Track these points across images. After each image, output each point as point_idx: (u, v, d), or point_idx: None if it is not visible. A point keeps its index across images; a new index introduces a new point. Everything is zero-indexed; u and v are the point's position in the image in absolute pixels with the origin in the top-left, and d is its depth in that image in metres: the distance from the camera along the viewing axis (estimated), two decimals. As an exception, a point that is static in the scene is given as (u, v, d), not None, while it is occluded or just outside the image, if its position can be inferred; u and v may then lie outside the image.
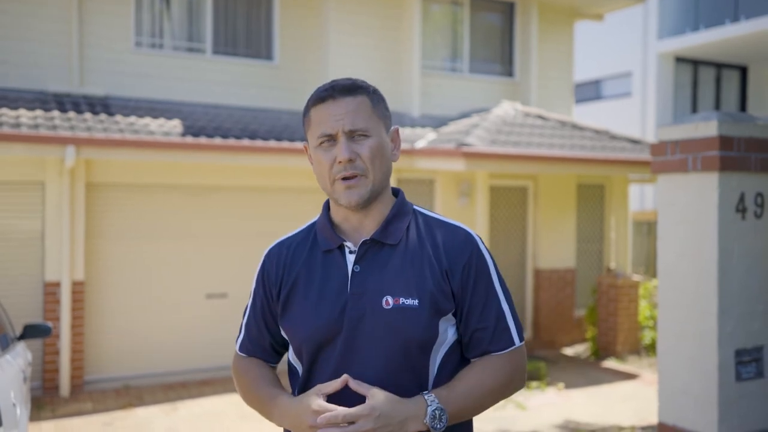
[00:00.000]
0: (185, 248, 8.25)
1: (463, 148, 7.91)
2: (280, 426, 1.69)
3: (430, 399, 1.58)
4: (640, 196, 16.94)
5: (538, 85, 10.98)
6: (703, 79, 16.72)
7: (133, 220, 8.00)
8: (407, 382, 1.63)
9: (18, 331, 5.75)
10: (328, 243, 1.72)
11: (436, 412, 1.57)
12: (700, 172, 3.58)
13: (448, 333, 1.67)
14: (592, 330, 9.73)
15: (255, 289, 1.82)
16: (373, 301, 1.63)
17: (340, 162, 1.63)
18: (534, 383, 7.90)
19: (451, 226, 1.73)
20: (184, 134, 7.63)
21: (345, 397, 1.59)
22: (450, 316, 1.67)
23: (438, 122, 9.81)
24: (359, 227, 1.71)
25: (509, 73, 11.00)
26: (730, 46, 15.20)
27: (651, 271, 13.48)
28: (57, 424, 6.48)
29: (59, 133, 6.99)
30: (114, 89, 8.56)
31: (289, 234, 1.84)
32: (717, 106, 16.77)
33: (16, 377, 4.54)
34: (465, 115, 9.95)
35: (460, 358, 1.71)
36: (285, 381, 1.81)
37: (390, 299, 1.63)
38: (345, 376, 1.60)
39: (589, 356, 9.58)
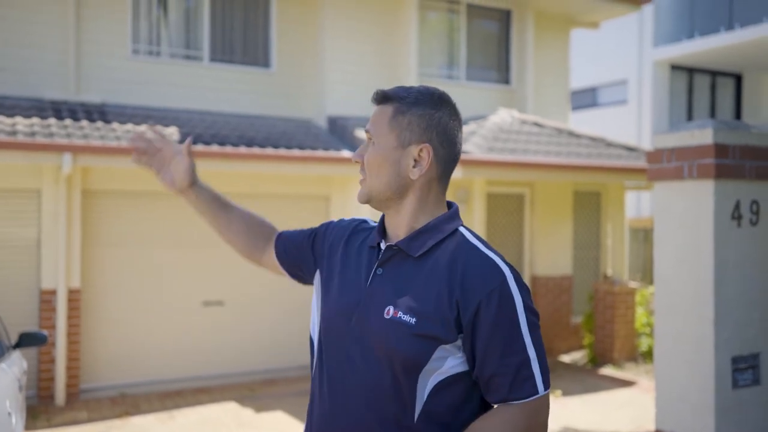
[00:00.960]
0: (182, 256, 8.23)
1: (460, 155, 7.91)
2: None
3: None
4: (637, 203, 16.97)
5: (534, 93, 11.02)
6: (699, 86, 16.78)
7: (129, 228, 7.99)
8: (391, 404, 1.60)
9: (13, 339, 5.73)
10: (372, 240, 1.77)
11: None
12: (696, 179, 3.59)
13: (444, 363, 1.59)
14: (589, 337, 9.73)
15: (314, 227, 1.97)
16: (378, 307, 1.64)
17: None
18: (531, 390, 7.88)
19: (481, 255, 1.63)
20: (181, 142, 7.62)
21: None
22: (451, 347, 1.58)
23: (434, 129, 9.80)
24: (395, 231, 1.74)
25: (506, 80, 11.04)
26: (725, 53, 15.25)
27: (648, 278, 13.49)
28: (52, 432, 6.46)
29: (56, 140, 6.99)
30: (111, 96, 8.56)
31: (358, 219, 1.93)
32: (712, 113, 16.83)
33: (11, 386, 4.52)
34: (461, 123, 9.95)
35: (461, 393, 1.62)
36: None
37: (391, 310, 1.62)
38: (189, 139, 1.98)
39: (586, 363, 9.58)
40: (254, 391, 8.00)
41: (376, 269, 1.70)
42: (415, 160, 1.68)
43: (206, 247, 8.32)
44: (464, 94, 10.47)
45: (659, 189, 3.82)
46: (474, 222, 8.71)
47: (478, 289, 1.57)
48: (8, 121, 7.24)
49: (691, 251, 3.63)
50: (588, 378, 8.76)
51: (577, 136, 9.99)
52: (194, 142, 7.64)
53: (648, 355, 9.45)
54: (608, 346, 9.38)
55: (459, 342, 1.59)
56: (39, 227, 7.47)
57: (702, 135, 3.58)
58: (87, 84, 8.48)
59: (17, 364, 5.02)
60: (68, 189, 7.46)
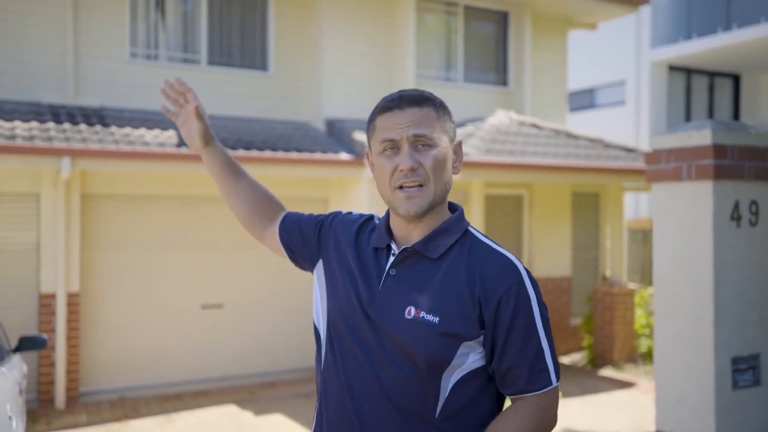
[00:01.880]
0: (181, 259, 8.23)
1: (458, 158, 7.91)
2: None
3: None
4: (635, 204, 16.98)
5: (532, 94, 11.03)
6: (697, 87, 16.80)
7: (128, 231, 7.99)
8: (414, 402, 1.62)
9: (13, 343, 5.72)
10: (378, 241, 1.77)
11: None
12: (695, 180, 3.60)
13: (467, 359, 1.63)
14: (588, 338, 9.73)
15: (321, 215, 1.96)
16: (398, 307, 1.65)
17: (401, 170, 1.65)
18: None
19: (496, 254, 1.68)
20: (179, 145, 7.63)
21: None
22: (474, 343, 1.63)
23: (433, 131, 9.80)
24: (408, 235, 1.74)
25: (503, 82, 11.04)
26: (723, 54, 15.28)
27: (647, 279, 13.49)
28: (52, 436, 6.45)
29: (54, 144, 6.99)
30: (109, 100, 8.55)
31: (366, 214, 1.92)
32: (710, 114, 16.85)
33: (12, 389, 4.52)
34: (460, 125, 9.97)
35: (479, 387, 1.67)
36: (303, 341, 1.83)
37: (413, 310, 1.63)
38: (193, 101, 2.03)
39: (586, 365, 9.58)
40: (253, 393, 7.99)
41: (389, 270, 1.70)
42: (455, 156, 1.76)
43: (205, 250, 8.32)
44: (462, 96, 10.48)
45: (658, 190, 3.83)
46: (472, 224, 8.70)
47: (498, 286, 1.62)
48: (7, 125, 7.24)
49: (690, 252, 3.63)
50: (587, 379, 8.76)
51: (575, 137, 9.99)
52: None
53: (648, 357, 9.45)
54: (608, 347, 9.38)
55: (481, 338, 1.63)
56: (38, 231, 7.47)
57: (700, 136, 3.58)
58: (85, 88, 8.47)
59: (17, 367, 5.01)
60: (67, 193, 7.46)
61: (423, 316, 1.62)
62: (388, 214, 1.81)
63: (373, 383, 1.64)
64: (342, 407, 1.68)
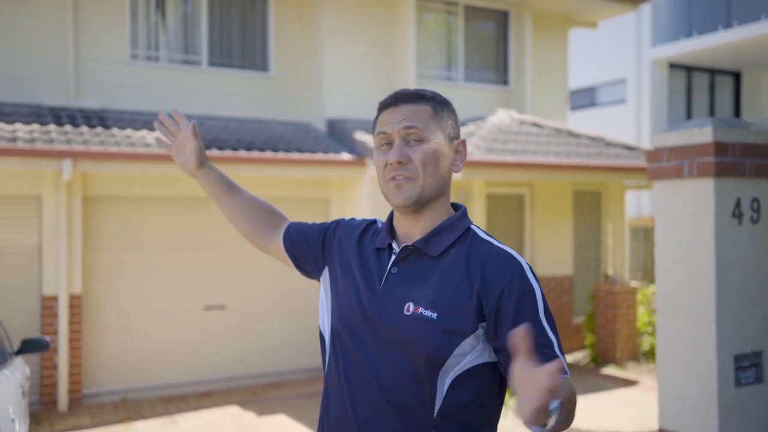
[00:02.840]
0: (183, 260, 8.24)
1: (459, 157, 7.91)
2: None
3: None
4: (637, 203, 16.97)
5: (532, 93, 11.02)
6: (697, 85, 16.79)
7: (130, 233, 7.99)
8: (412, 401, 1.62)
9: (15, 345, 5.73)
10: (380, 242, 1.79)
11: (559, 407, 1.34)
12: (696, 178, 3.60)
13: (465, 357, 1.61)
14: (590, 337, 9.72)
15: (324, 224, 1.99)
16: (397, 304, 1.67)
17: (390, 163, 1.69)
18: (533, 391, 7.87)
19: (497, 249, 1.68)
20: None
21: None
22: (472, 339, 1.61)
23: (434, 131, 9.81)
24: (409, 232, 1.76)
25: (504, 81, 11.04)
26: (724, 52, 15.26)
27: (648, 277, 13.49)
28: (55, 438, 6.46)
29: (56, 146, 7.00)
30: (110, 102, 8.56)
31: (369, 219, 1.94)
32: (711, 112, 16.84)
33: (15, 392, 4.53)
34: (461, 124, 9.91)
35: (478, 387, 1.63)
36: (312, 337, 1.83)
37: (412, 306, 1.65)
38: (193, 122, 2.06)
39: (588, 363, 9.57)
40: (256, 394, 8.00)
41: (391, 268, 1.72)
42: (457, 155, 1.78)
43: (207, 251, 8.32)
44: (463, 96, 10.47)
45: (659, 188, 3.82)
46: (474, 223, 8.70)
47: (499, 277, 1.62)
48: (8, 127, 7.25)
49: (692, 250, 3.63)
50: (590, 378, 8.76)
51: (577, 135, 9.99)
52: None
53: (650, 355, 9.45)
54: (610, 345, 9.38)
55: (479, 332, 1.61)
56: (40, 233, 7.48)
57: (701, 133, 3.58)
58: (86, 90, 8.48)
59: (20, 370, 5.02)
60: (68, 195, 7.47)
61: (421, 312, 1.63)
62: (391, 215, 1.83)
63: (372, 384, 1.65)
64: (341, 409, 1.70)
